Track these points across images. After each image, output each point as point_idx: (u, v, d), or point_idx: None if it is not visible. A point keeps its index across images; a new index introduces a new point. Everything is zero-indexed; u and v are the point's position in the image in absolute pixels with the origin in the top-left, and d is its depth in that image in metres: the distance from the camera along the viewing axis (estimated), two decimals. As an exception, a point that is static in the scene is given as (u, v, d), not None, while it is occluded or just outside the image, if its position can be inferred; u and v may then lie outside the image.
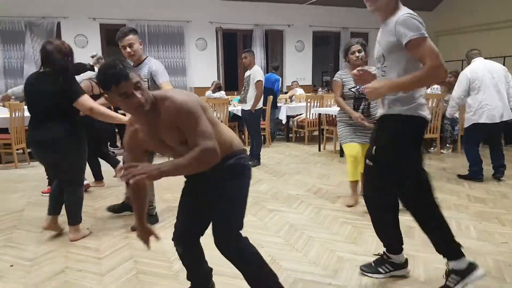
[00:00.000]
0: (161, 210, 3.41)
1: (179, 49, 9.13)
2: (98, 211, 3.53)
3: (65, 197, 2.84)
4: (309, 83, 10.46)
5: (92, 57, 5.90)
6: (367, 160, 2.14)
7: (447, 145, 6.29)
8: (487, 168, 4.50)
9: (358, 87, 3.39)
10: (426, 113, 2.00)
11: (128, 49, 2.94)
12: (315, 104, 7.08)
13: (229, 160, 1.72)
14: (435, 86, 7.71)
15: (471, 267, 2.01)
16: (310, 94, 8.35)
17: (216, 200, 1.75)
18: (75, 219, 2.86)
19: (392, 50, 1.94)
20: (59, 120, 2.69)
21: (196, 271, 1.95)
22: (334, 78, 3.66)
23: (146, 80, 2.92)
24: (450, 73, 6.54)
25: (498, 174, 4.48)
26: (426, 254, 2.58)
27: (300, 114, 7.44)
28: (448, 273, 2.05)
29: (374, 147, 2.08)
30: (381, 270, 2.28)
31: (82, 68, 4.79)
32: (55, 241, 2.85)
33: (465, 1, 10.30)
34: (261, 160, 5.54)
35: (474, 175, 4.46)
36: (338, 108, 3.69)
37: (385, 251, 2.31)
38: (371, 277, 2.29)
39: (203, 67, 9.36)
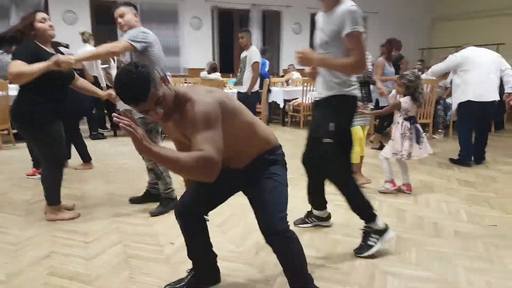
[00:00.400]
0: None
1: (172, 28, 8.90)
2: (86, 194, 3.46)
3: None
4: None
5: (82, 34, 5.72)
6: (325, 139, 2.28)
7: (439, 130, 6.31)
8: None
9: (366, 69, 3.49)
10: (357, 91, 2.35)
11: (119, 20, 2.88)
12: (312, 88, 6.99)
13: (264, 156, 1.71)
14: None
15: (386, 228, 2.35)
16: (306, 78, 8.24)
17: (250, 191, 1.74)
18: (49, 199, 2.83)
19: (336, 38, 2.15)
20: (18, 97, 2.67)
21: (195, 245, 1.88)
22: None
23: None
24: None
25: (479, 161, 4.53)
26: (418, 236, 2.61)
27: (296, 98, 7.36)
28: (368, 233, 2.35)
29: (332, 123, 2.26)
30: (307, 220, 2.76)
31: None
32: (40, 225, 2.78)
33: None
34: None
35: (464, 159, 4.49)
36: None
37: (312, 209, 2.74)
38: (300, 227, 2.71)
39: (197, 47, 9.15)
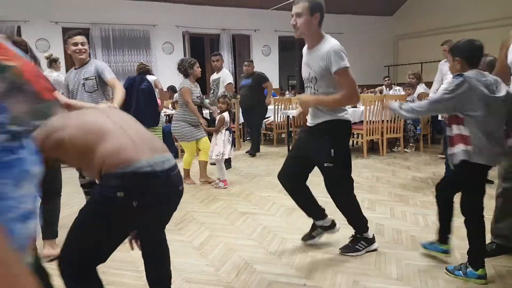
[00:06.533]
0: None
1: (145, 53, 8.93)
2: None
3: None
4: (276, 87, 10.50)
5: (47, 58, 5.59)
6: (325, 164, 2.42)
7: (410, 144, 6.48)
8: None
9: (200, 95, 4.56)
10: (349, 116, 2.49)
11: (80, 46, 3.02)
12: (283, 107, 7.16)
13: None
14: (397, 87, 8.00)
15: (374, 238, 2.63)
16: (277, 97, 8.39)
17: None
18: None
19: (324, 74, 2.32)
20: None
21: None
22: (185, 86, 4.35)
23: (94, 77, 3.04)
24: (412, 75, 6.77)
25: None
26: (397, 251, 2.64)
27: (268, 117, 7.47)
28: (358, 239, 2.58)
29: (332, 149, 2.39)
30: (313, 234, 2.74)
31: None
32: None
33: (423, 6, 10.68)
34: (232, 163, 5.49)
35: None
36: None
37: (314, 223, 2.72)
38: (308, 243, 2.75)
39: (170, 71, 9.15)
